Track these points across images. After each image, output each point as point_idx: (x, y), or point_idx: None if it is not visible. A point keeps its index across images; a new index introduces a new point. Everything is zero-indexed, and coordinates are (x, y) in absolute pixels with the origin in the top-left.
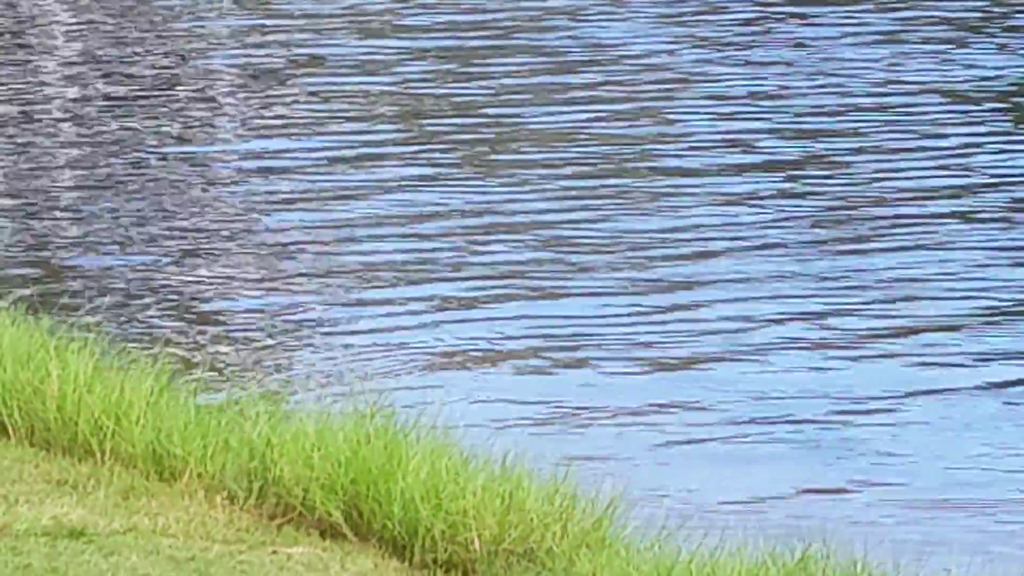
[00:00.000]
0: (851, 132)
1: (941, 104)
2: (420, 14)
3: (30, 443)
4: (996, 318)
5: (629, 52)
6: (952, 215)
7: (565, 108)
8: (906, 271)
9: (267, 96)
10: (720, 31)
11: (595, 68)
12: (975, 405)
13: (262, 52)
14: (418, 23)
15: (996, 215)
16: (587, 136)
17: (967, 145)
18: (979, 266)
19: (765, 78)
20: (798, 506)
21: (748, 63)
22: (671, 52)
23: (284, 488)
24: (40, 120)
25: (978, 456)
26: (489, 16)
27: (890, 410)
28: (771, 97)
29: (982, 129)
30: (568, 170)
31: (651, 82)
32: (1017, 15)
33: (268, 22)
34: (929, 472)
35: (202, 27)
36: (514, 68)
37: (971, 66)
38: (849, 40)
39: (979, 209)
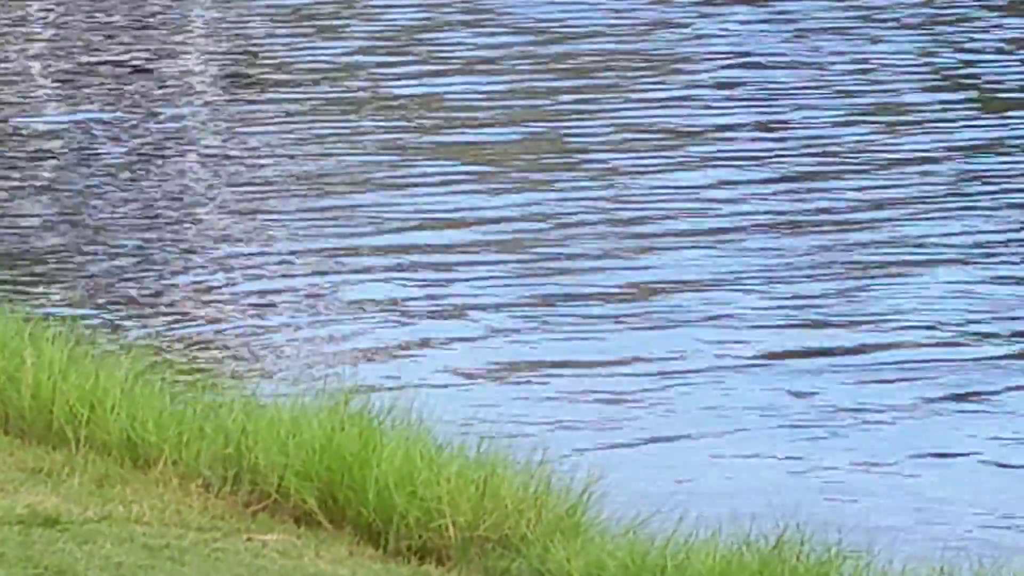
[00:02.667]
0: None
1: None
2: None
3: (4, 431)
4: (959, 300)
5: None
6: (916, 209)
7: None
8: (871, 259)
9: (243, 96)
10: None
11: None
12: (946, 388)
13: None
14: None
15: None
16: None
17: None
18: (946, 259)
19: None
20: (773, 492)
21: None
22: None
23: (259, 475)
24: (17, 111)
25: (953, 443)
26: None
27: (865, 395)
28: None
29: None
30: (539, 164)
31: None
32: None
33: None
34: (903, 459)
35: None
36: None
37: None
38: (825, 33)
39: (945, 206)
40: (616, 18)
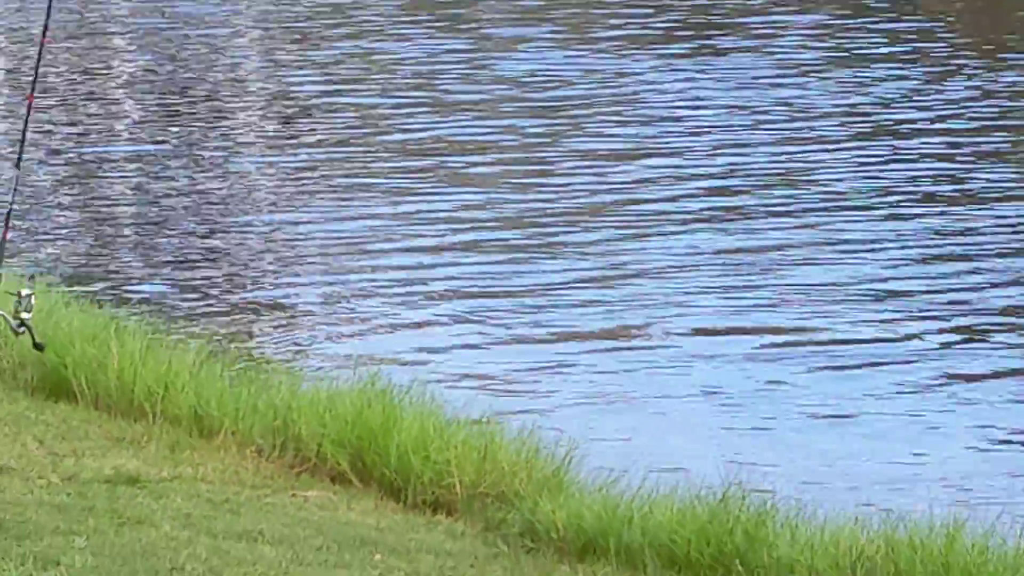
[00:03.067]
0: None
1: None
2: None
3: (95, 407)
4: (868, 289)
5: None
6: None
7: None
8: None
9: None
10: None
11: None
12: (881, 356)
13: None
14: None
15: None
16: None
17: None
18: (867, 250)
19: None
20: (720, 457)
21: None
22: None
23: (301, 443)
24: (99, 141)
25: (870, 411)
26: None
27: (797, 371)
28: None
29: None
30: (537, 175)
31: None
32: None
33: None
34: (829, 427)
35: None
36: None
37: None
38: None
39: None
40: (579, 70)
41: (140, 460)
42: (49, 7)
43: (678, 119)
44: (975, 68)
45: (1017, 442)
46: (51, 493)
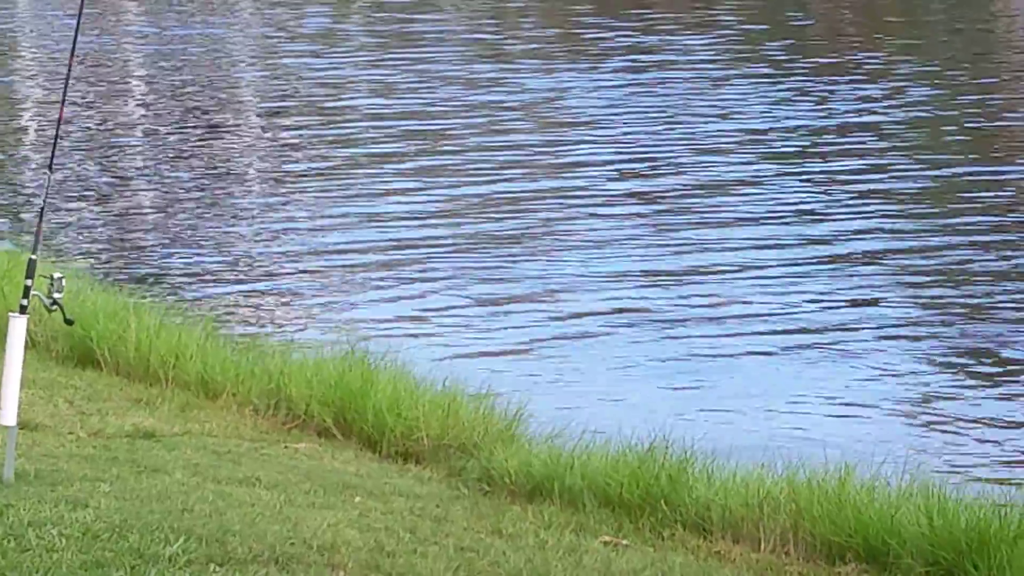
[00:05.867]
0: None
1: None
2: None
3: (116, 373)
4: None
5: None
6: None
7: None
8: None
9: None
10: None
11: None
12: (784, 326)
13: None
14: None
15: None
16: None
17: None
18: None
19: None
20: (647, 413)
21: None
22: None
23: (292, 403)
24: (121, 140)
25: (784, 370)
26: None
27: (721, 340)
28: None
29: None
30: (501, 174)
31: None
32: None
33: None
34: (745, 381)
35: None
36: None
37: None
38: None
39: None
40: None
41: (155, 418)
42: (76, 33)
43: (594, 122)
44: (859, 77)
45: (898, 397)
46: (80, 446)
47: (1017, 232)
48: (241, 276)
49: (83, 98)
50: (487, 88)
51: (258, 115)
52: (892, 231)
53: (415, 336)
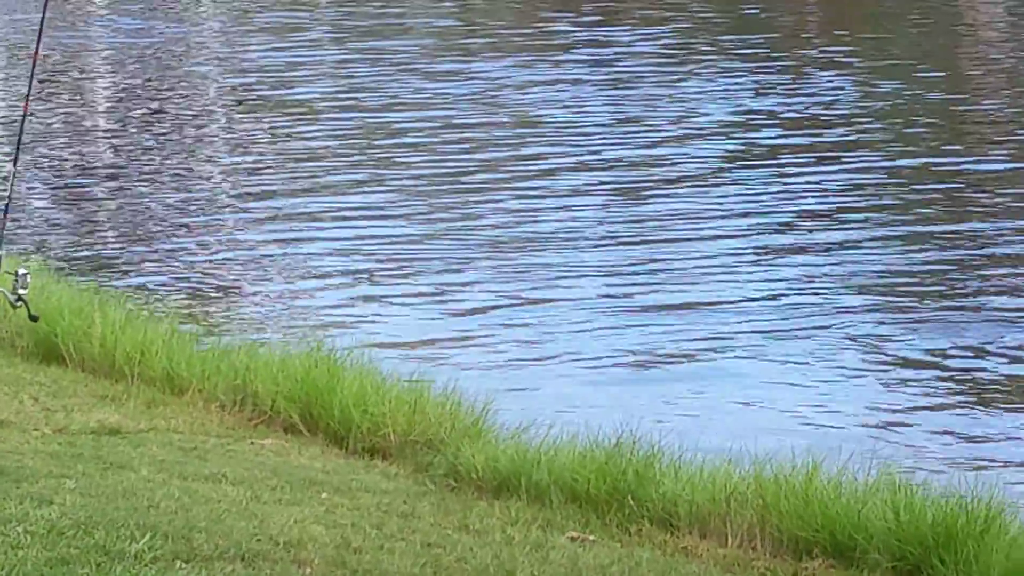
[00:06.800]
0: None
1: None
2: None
3: (81, 370)
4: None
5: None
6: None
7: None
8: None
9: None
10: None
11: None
12: (750, 320)
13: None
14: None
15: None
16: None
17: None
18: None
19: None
20: (614, 408)
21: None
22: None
23: (258, 399)
24: (84, 135)
25: (750, 364)
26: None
27: (680, 333)
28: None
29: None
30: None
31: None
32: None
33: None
34: (712, 376)
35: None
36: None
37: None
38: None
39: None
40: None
41: (121, 414)
42: (40, 30)
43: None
44: (823, 66)
45: (865, 393)
46: (45, 443)
47: (984, 228)
48: (206, 271)
49: (46, 93)
50: (448, 80)
51: (221, 109)
52: (859, 227)
53: (381, 332)
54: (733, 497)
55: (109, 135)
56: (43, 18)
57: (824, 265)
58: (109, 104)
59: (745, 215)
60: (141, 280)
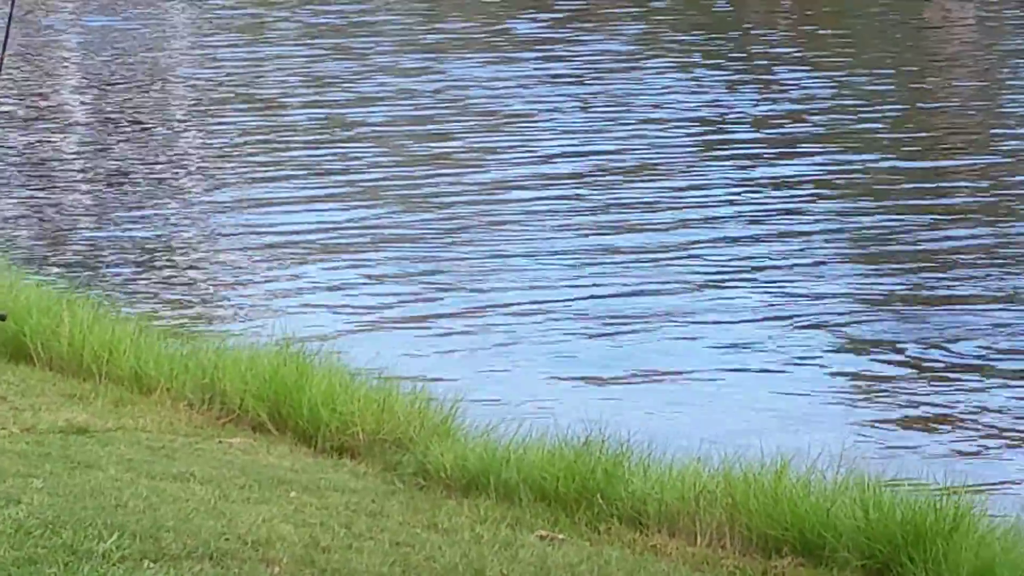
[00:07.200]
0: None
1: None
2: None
3: (49, 368)
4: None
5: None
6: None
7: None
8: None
9: (214, 116)
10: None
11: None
12: (716, 320)
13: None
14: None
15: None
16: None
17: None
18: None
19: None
20: (583, 407)
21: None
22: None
23: (227, 397)
24: (51, 132)
25: (718, 364)
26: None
27: (647, 336)
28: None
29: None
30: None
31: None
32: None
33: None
34: (680, 376)
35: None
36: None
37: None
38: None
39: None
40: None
41: (89, 413)
42: (8, 25)
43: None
44: (792, 69)
45: (834, 391)
46: (12, 442)
47: (954, 225)
48: (174, 269)
49: (12, 88)
50: (415, 78)
51: (189, 105)
52: (828, 222)
53: (350, 330)
54: (702, 496)
55: (76, 132)
56: (11, 15)
57: (791, 263)
58: (76, 101)
59: (714, 212)
60: (109, 278)
